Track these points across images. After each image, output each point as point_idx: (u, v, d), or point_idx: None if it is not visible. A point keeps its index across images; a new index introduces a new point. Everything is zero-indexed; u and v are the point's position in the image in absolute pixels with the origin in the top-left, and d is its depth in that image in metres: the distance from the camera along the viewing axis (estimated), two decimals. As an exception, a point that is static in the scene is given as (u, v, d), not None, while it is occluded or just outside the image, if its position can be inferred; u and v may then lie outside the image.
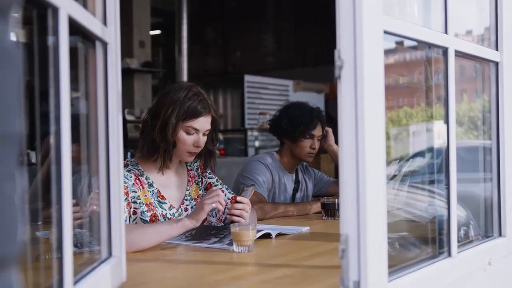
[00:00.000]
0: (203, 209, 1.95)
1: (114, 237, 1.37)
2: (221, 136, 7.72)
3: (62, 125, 1.00)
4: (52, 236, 1.47)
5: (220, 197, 1.98)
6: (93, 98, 1.34)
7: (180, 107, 2.13)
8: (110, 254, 1.36)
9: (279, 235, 2.15)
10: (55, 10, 0.99)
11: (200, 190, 2.36)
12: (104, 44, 1.33)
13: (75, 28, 1.11)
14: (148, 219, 2.13)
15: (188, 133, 2.17)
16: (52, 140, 1.02)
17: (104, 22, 1.34)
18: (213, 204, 1.96)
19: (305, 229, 2.33)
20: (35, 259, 1.26)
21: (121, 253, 1.39)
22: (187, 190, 2.32)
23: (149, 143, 2.18)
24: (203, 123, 2.19)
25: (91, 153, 1.37)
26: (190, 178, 2.35)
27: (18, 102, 0.56)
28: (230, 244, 1.88)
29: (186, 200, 2.30)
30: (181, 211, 2.26)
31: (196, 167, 2.40)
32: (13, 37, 0.56)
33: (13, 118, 0.54)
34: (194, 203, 2.31)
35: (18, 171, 0.57)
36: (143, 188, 2.16)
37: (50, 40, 1.02)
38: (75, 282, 1.09)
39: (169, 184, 2.26)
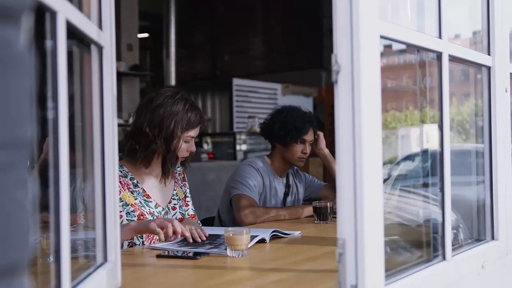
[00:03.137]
0: (148, 228, 1.97)
1: (109, 242, 1.36)
2: (209, 140, 7.70)
3: (59, 130, 0.99)
4: (44, 241, 1.46)
5: (169, 229, 1.95)
6: (88, 102, 1.34)
7: (183, 120, 2.24)
8: (105, 259, 1.35)
9: (274, 238, 2.15)
10: (53, 14, 0.98)
11: (183, 193, 2.46)
12: (100, 48, 1.33)
13: (71, 32, 1.10)
14: (135, 218, 2.19)
15: (186, 141, 2.28)
16: (47, 144, 1.01)
17: (100, 26, 1.33)
18: (157, 229, 1.93)
19: (297, 233, 2.33)
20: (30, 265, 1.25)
21: (117, 258, 1.38)
22: (175, 190, 2.41)
23: (151, 153, 2.24)
24: (198, 130, 2.33)
25: (85, 158, 1.36)
26: (176, 180, 2.44)
27: (30, 107, 0.56)
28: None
29: (174, 199, 2.39)
30: (169, 209, 2.35)
31: (178, 172, 2.49)
32: (25, 41, 0.56)
33: (25, 123, 0.54)
34: (181, 203, 2.42)
35: (29, 176, 0.57)
36: (127, 189, 2.22)
37: (48, 43, 1.01)
38: (72, 288, 1.08)
39: (155, 185, 2.33)
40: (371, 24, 1.19)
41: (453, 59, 1.58)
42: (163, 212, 2.31)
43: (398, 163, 2.34)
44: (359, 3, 1.14)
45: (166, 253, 1.89)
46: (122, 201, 2.17)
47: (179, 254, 1.87)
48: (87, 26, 1.20)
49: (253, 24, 9.91)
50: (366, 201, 1.15)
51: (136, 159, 2.24)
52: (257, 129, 7.08)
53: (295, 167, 3.18)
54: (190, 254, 1.86)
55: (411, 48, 1.59)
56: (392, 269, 1.32)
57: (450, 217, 1.52)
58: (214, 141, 7.71)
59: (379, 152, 1.20)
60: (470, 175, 2.00)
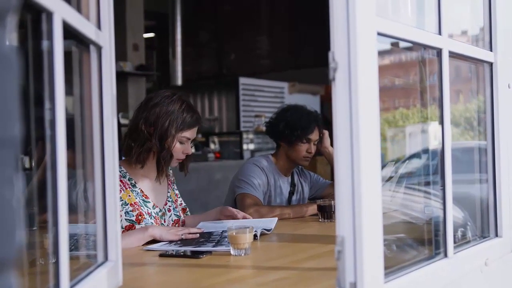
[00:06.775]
0: (172, 237, 2.09)
1: (110, 241, 1.36)
2: (216, 139, 7.70)
3: (57, 130, 1.00)
4: (46, 241, 1.47)
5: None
6: (88, 102, 1.34)
7: (178, 119, 2.26)
8: (106, 258, 1.35)
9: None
10: (50, 15, 0.99)
11: (175, 196, 2.50)
12: (99, 48, 1.33)
13: (69, 32, 1.11)
14: (134, 218, 2.22)
15: (181, 142, 2.30)
16: (47, 144, 1.02)
17: (98, 26, 1.33)
18: (183, 236, 2.12)
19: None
20: (29, 264, 1.26)
21: (118, 257, 1.38)
22: (168, 192, 2.45)
23: (146, 151, 2.27)
24: (194, 132, 2.35)
25: (86, 158, 1.37)
26: (169, 182, 2.48)
27: (17, 106, 0.57)
28: (228, 246, 1.87)
29: (169, 201, 2.43)
30: (165, 210, 2.38)
31: (171, 174, 2.53)
32: (10, 41, 0.56)
33: (12, 122, 0.55)
34: (175, 205, 2.45)
35: (17, 175, 0.58)
36: (126, 189, 2.25)
37: (44, 44, 1.01)
38: (71, 286, 1.08)
39: (151, 186, 2.36)
40: (368, 21, 1.18)
41: (454, 55, 1.57)
42: (160, 213, 2.34)
43: (404, 161, 2.33)
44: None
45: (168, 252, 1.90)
46: (122, 200, 2.20)
47: (182, 253, 1.87)
48: (84, 27, 1.20)
49: (258, 22, 9.91)
50: (364, 198, 1.15)
51: (131, 157, 2.26)
52: (263, 128, 7.07)
53: (300, 166, 3.18)
54: (190, 253, 1.86)
55: (415, 45, 1.59)
56: (393, 266, 1.31)
57: (451, 213, 1.51)
58: (221, 141, 7.70)
59: (377, 149, 1.20)
60: (477, 172, 1.99)
